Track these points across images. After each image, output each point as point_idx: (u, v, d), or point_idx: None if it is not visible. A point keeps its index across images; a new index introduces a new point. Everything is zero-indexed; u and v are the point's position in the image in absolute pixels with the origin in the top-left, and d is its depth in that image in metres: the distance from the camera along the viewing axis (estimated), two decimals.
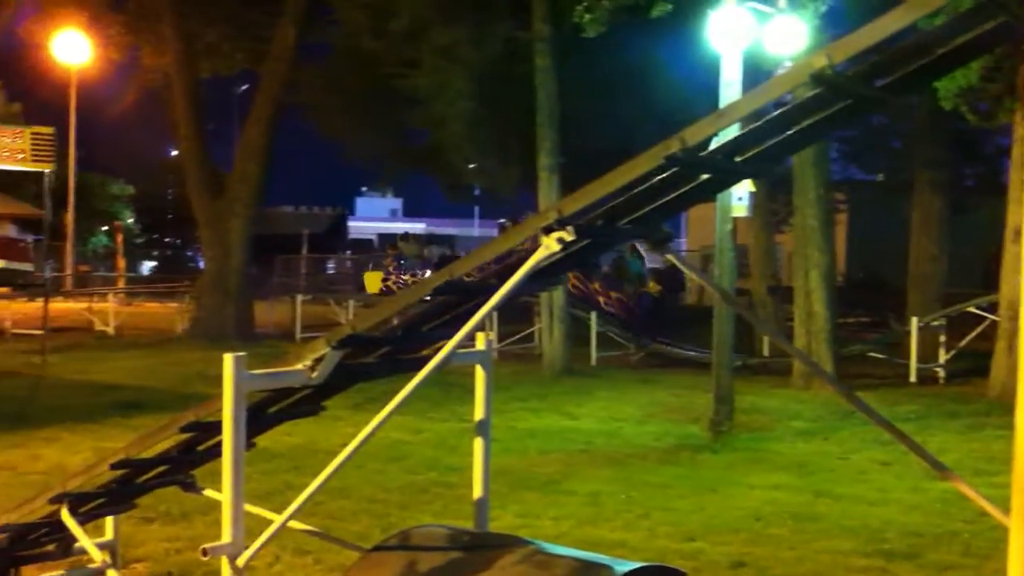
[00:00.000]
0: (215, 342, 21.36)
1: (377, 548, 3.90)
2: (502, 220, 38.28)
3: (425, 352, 4.47)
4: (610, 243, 3.96)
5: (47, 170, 18.30)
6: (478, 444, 4.74)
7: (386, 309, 4.03)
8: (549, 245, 3.33)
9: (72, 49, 36.33)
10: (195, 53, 23.49)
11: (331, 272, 45.86)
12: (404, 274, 32.04)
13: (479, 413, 4.72)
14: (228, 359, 3.84)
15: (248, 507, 4.12)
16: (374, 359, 4.36)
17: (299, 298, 24.69)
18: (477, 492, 4.74)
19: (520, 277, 3.43)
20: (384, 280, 31.40)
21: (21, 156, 17.58)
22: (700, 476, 9.58)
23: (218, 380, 11.85)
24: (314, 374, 4.03)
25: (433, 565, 3.60)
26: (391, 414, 3.74)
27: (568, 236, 3.29)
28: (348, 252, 50.04)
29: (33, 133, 17.65)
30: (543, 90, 17.12)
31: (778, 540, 7.42)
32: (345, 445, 3.99)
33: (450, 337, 3.83)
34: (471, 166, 28.85)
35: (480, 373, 4.69)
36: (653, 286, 22.89)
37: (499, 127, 24.02)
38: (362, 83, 26.10)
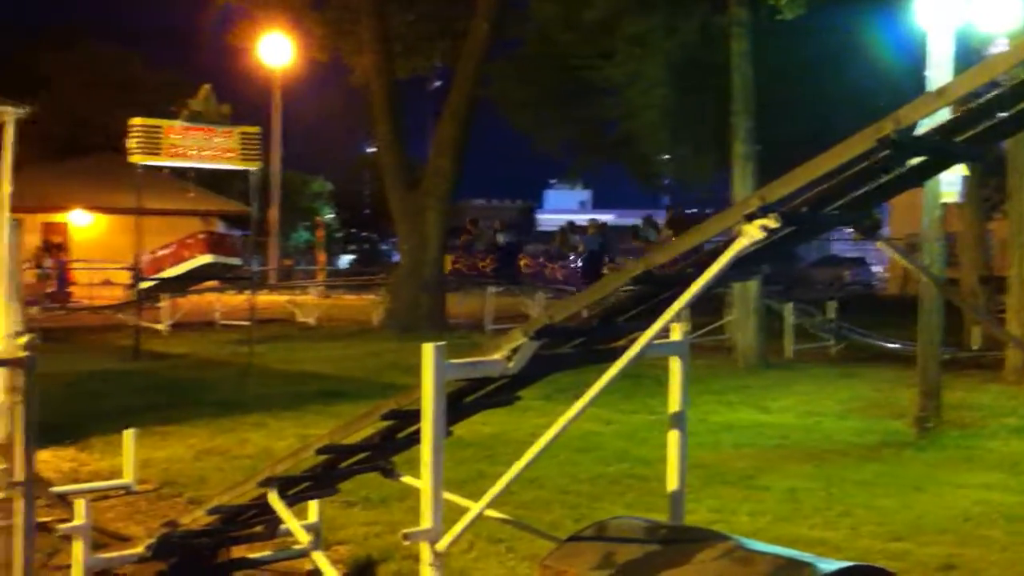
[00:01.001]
0: (409, 332, 21.93)
1: (573, 538, 3.89)
2: (641, 218, 38.33)
3: (619, 343, 4.43)
4: (814, 231, 3.80)
5: (255, 168, 19.11)
6: (674, 437, 4.66)
7: (582, 300, 4.01)
8: (752, 233, 3.23)
9: (276, 51, 38.05)
10: (393, 53, 24.13)
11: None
12: (476, 258, 32.42)
13: (675, 406, 4.64)
14: (428, 349, 3.89)
15: (445, 495, 4.18)
16: (569, 349, 4.35)
17: (490, 289, 25.02)
18: (672, 485, 4.66)
19: (721, 266, 3.34)
20: (454, 263, 32.04)
21: (231, 155, 18.41)
22: (905, 474, 9.16)
23: (413, 369, 12.09)
24: (511, 364, 4.05)
25: (630, 557, 3.56)
26: (587, 405, 3.71)
27: (773, 223, 3.18)
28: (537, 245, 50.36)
29: (242, 133, 18.44)
30: (739, 76, 16.72)
31: (989, 542, 7.02)
32: (536, 435, 3.98)
33: (644, 328, 3.78)
34: (664, 156, 28.53)
35: (676, 365, 4.61)
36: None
37: (693, 115, 23.66)
38: (554, 75, 26.22)
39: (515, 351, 4.07)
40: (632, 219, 69.54)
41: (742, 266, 3.87)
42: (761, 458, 9.78)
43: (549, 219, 75.63)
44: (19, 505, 4.51)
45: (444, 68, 26.79)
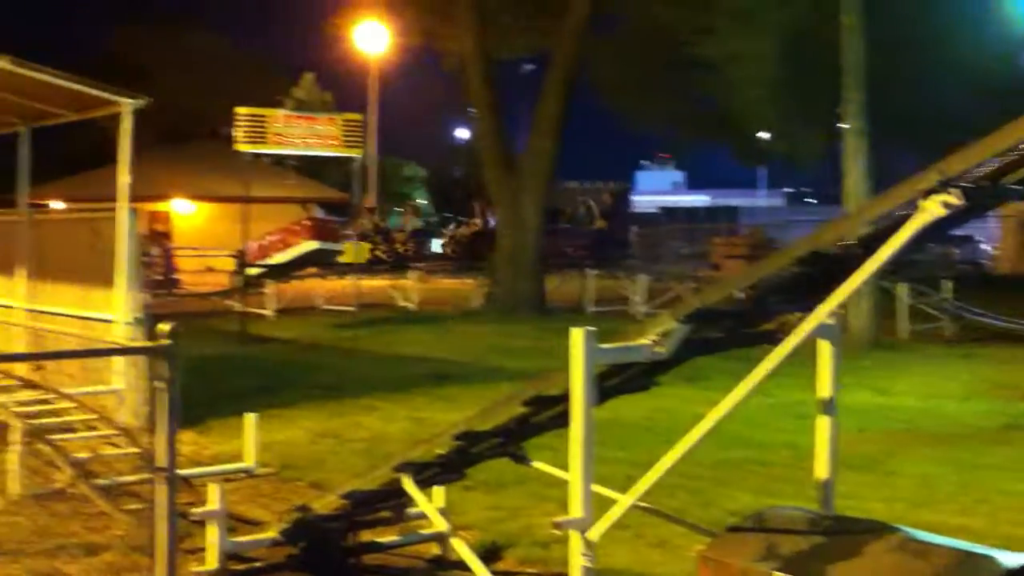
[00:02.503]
0: (509, 315, 21.94)
1: (732, 529, 3.77)
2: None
3: (769, 326, 4.27)
4: (989, 206, 3.59)
5: (356, 155, 19.30)
6: (823, 424, 4.49)
7: (737, 282, 3.87)
8: (931, 210, 3.05)
9: (373, 38, 38.36)
10: (489, 35, 24.06)
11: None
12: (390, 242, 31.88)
13: (824, 391, 4.46)
14: (577, 333, 3.80)
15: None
16: (718, 333, 4.22)
17: (589, 272, 24.86)
18: (822, 474, 4.48)
19: (897, 246, 3.17)
20: (372, 250, 31.55)
21: (333, 142, 18.61)
22: None
23: (516, 352, 12.10)
24: (660, 348, 3.93)
25: (797, 548, 3.42)
26: (751, 392, 3.58)
27: (955, 200, 3.00)
28: (633, 226, 49.94)
29: (344, 120, 18.61)
30: (850, 51, 16.25)
31: None
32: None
33: (797, 310, 3.63)
34: (769, 133, 27.96)
35: (826, 348, 4.43)
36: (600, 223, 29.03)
37: (802, 91, 23.12)
38: (654, 53, 25.89)
39: (664, 335, 3.94)
40: (726, 199, 68.65)
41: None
42: (887, 442, 9.51)
43: (643, 200, 74.95)
44: (161, 490, 4.53)
45: (540, 50, 26.59)
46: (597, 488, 4.93)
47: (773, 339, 3.85)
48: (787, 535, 3.50)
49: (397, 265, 28.15)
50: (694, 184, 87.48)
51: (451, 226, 33.20)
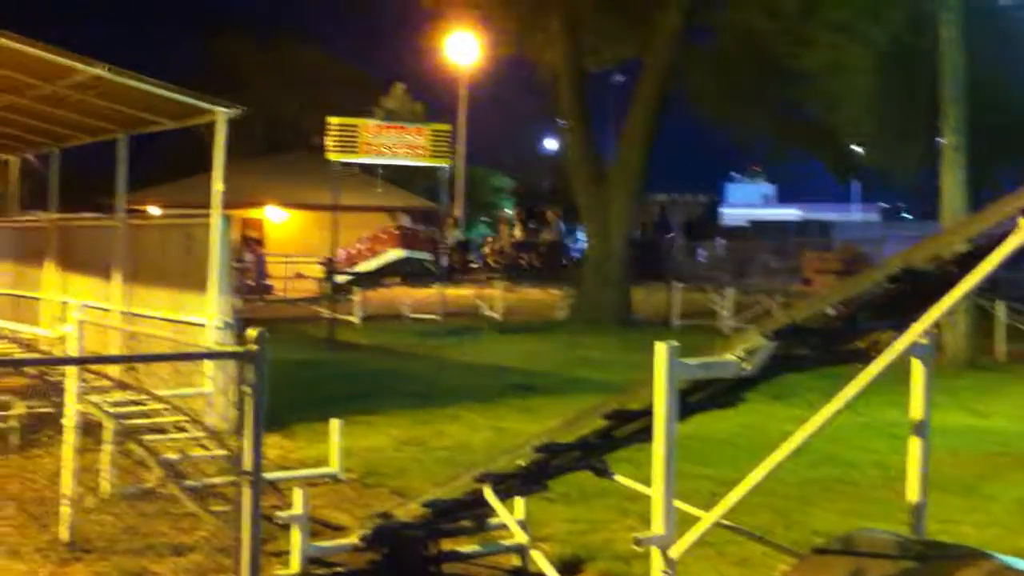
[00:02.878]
0: (594, 327, 21.85)
1: (817, 551, 3.67)
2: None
3: (860, 344, 4.17)
4: None
5: (444, 164, 19.44)
6: (915, 445, 4.36)
7: (827, 299, 3.78)
8: None
9: (463, 49, 38.62)
10: (581, 46, 24.05)
11: (703, 259, 45.58)
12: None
13: (917, 413, 4.33)
14: (660, 347, 3.75)
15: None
16: (807, 350, 4.12)
17: (675, 285, 24.66)
18: (913, 497, 4.35)
19: (995, 264, 3.07)
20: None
21: (422, 152, 18.78)
22: None
23: (600, 364, 12.00)
24: (747, 365, 3.86)
25: (884, 574, 3.32)
26: (840, 410, 3.49)
27: None
28: (720, 240, 49.42)
29: (432, 130, 18.78)
30: (949, 63, 15.87)
31: None
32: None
33: (889, 328, 3.53)
34: (863, 147, 27.40)
35: (919, 368, 4.30)
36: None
37: (900, 104, 22.63)
38: (749, 64, 25.56)
39: (750, 351, 3.87)
40: (818, 213, 67.46)
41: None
42: (981, 465, 9.22)
43: (732, 213, 74.03)
44: (246, 493, 4.58)
45: (631, 61, 26.50)
46: (679, 504, 4.86)
47: (864, 358, 3.75)
48: (875, 559, 3.39)
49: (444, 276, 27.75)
50: (785, 197, 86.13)
51: (488, 237, 32.33)
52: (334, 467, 8.69)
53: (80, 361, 6.59)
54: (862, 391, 3.46)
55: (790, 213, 71.82)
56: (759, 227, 54.25)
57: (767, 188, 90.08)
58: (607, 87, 47.91)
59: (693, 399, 4.56)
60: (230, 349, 7.43)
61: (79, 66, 9.75)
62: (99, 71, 9.67)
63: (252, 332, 4.48)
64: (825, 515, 7.43)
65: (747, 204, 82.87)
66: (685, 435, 10.01)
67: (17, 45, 9.38)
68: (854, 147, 27.93)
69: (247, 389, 4.50)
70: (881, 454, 9.25)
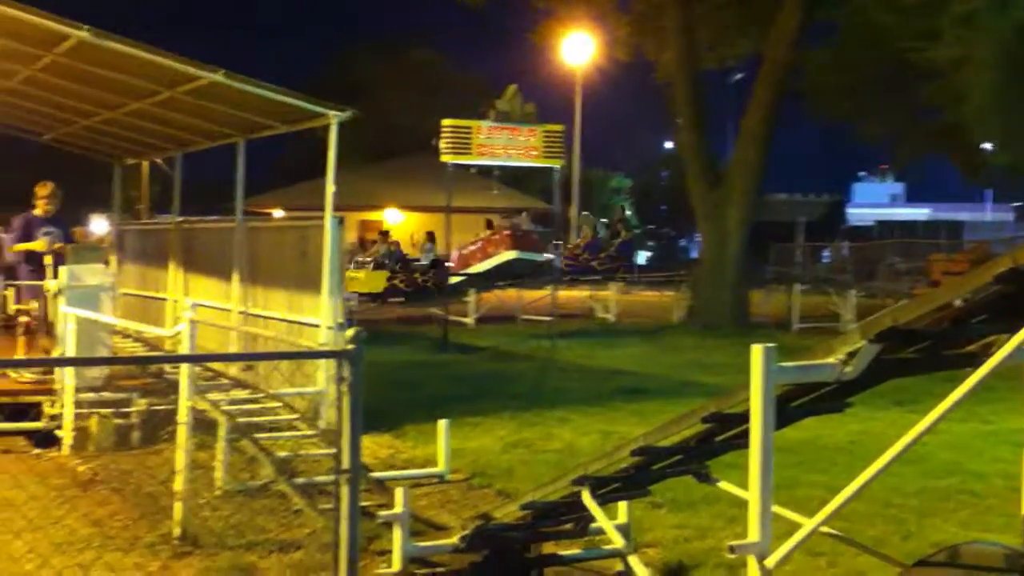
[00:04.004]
0: (710, 330, 21.53)
1: (921, 563, 3.51)
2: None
3: (971, 348, 3.96)
4: None
5: (557, 165, 19.43)
6: None
7: (933, 300, 3.60)
8: None
9: (578, 50, 38.59)
10: (697, 45, 23.77)
11: (827, 261, 44.53)
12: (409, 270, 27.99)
13: None
14: (757, 350, 3.63)
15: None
16: (913, 353, 3.94)
17: (796, 287, 24.13)
18: None
19: None
20: (390, 279, 27.66)
21: (535, 153, 18.79)
22: None
23: (715, 368, 11.75)
24: (848, 368, 3.70)
25: None
26: (943, 415, 3.32)
27: None
28: (846, 241, 48.18)
29: (545, 131, 18.77)
30: None
31: None
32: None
33: (1003, 331, 3.34)
34: (992, 144, 26.34)
35: None
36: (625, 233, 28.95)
37: None
38: (872, 61, 24.87)
39: (852, 355, 3.71)
40: (949, 213, 65.31)
41: None
42: None
43: (859, 214, 72.13)
44: (344, 491, 4.61)
45: (749, 59, 26.06)
46: (783, 512, 4.72)
47: (975, 362, 3.56)
48: (981, 573, 3.22)
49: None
50: (914, 196, 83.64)
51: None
52: (442, 468, 8.75)
53: (186, 359, 6.76)
54: (965, 397, 3.29)
55: (919, 213, 69.77)
56: (885, 227, 52.75)
57: (895, 187, 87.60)
58: (725, 86, 47.27)
59: (796, 404, 4.41)
60: (328, 348, 7.53)
61: (197, 72, 10.04)
62: (216, 76, 9.93)
63: (349, 332, 4.51)
64: (944, 526, 7.14)
65: (874, 204, 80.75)
66: (799, 441, 9.84)
67: (142, 53, 9.70)
68: (984, 145, 26.84)
69: (344, 388, 4.53)
70: (1008, 464, 8.84)
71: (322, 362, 8.92)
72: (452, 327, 19.80)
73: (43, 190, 11.38)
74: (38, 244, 11.00)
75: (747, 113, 23.26)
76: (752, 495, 3.71)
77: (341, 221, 10.59)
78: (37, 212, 11.40)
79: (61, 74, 11.51)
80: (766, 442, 3.65)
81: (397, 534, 5.85)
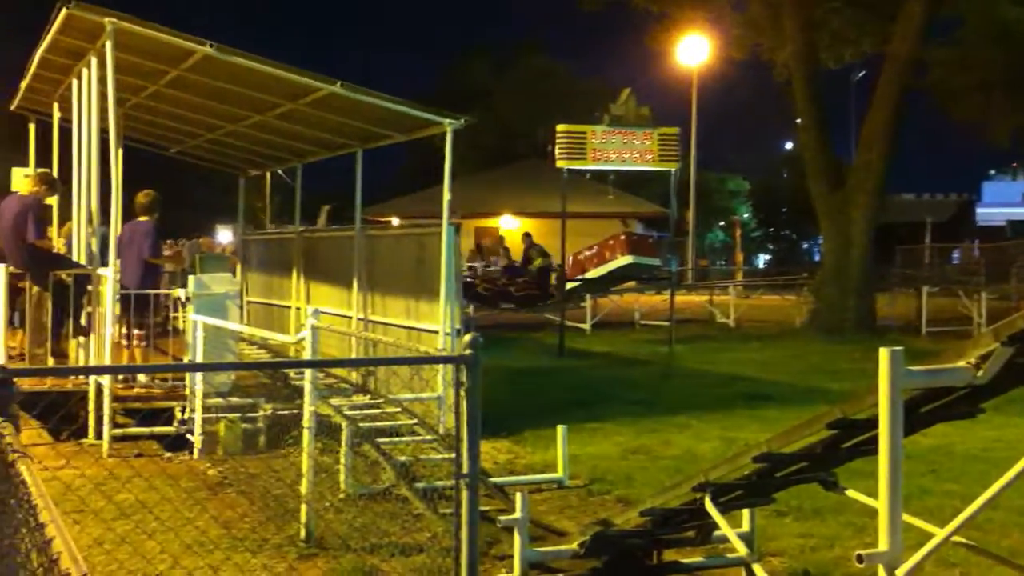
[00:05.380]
0: (834, 335, 21.05)
1: None
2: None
3: None
4: None
5: (673, 169, 19.25)
6: None
7: None
8: None
9: (693, 52, 38.22)
10: (816, 43, 23.31)
11: (956, 262, 43.08)
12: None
13: None
14: (884, 354, 3.52)
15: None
16: None
17: (924, 290, 23.41)
18: None
19: None
20: (502, 286, 26.62)
21: (650, 157, 18.64)
22: None
23: (841, 374, 11.42)
24: (980, 372, 3.56)
25: None
26: None
27: None
28: (976, 241, 46.55)
29: (660, 134, 18.61)
30: None
31: None
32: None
33: None
34: None
35: None
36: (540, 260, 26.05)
37: None
38: (1000, 56, 23.95)
39: (984, 358, 3.57)
40: None
41: None
42: None
43: (989, 213, 69.53)
44: (464, 496, 4.63)
45: (871, 56, 25.40)
46: (915, 521, 4.57)
47: None
48: None
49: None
50: None
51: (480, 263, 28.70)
52: (560, 473, 8.73)
53: (309, 364, 6.89)
54: None
55: None
56: (1018, 227, 50.79)
57: None
58: (846, 84, 46.23)
59: (927, 409, 4.27)
60: (445, 354, 7.58)
61: (316, 84, 10.25)
62: (334, 88, 10.12)
63: (466, 337, 4.53)
64: None
65: (1006, 203, 77.72)
66: (929, 449, 9.53)
67: (263, 67, 9.95)
68: None
69: (463, 393, 4.56)
70: None
71: (440, 367, 9.00)
72: (568, 332, 19.77)
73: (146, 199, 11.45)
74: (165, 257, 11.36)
75: (870, 111, 22.69)
76: (881, 503, 3.60)
77: (457, 228, 10.67)
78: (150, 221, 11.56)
79: (186, 89, 11.89)
80: (895, 448, 3.53)
81: (517, 539, 5.85)
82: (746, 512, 6.06)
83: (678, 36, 33.74)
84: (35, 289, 10.59)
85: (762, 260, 68.22)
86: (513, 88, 56.24)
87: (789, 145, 65.87)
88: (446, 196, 10.49)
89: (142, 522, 6.51)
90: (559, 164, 18.50)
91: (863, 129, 23.09)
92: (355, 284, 12.93)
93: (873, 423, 3.98)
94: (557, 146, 18.47)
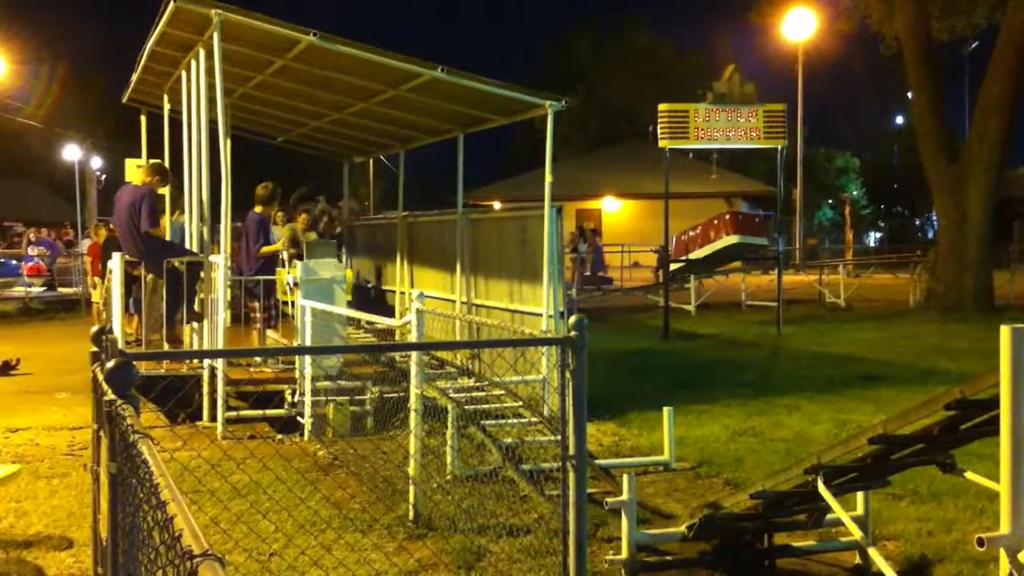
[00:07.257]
0: (951, 314, 20.45)
1: None
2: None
3: None
4: None
5: (779, 146, 18.88)
6: None
7: None
8: None
9: (799, 26, 37.38)
10: (928, 14, 22.59)
11: None
12: None
13: None
14: (1006, 331, 3.38)
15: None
16: None
17: None
18: None
19: None
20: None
21: (755, 134, 18.30)
22: None
23: (958, 354, 11.07)
24: None
25: None
26: None
27: None
28: None
29: (765, 111, 18.25)
30: None
31: None
32: None
33: None
34: None
35: None
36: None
37: None
38: None
39: None
40: None
41: None
42: None
43: None
44: (571, 478, 4.61)
45: (985, 27, 24.49)
46: None
47: None
48: None
49: None
50: None
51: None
52: (667, 456, 8.65)
53: (415, 347, 6.93)
54: None
55: None
56: None
57: None
58: (961, 56, 44.70)
59: None
60: (550, 335, 7.56)
61: (418, 69, 10.31)
62: (435, 73, 10.16)
63: (571, 320, 4.50)
64: None
65: None
66: None
67: (366, 54, 10.05)
68: None
69: (568, 375, 4.53)
70: None
71: (545, 350, 8.98)
72: (673, 314, 19.58)
73: (264, 191, 11.77)
74: (278, 245, 11.58)
75: (985, 82, 21.90)
76: (1003, 485, 3.46)
77: (559, 211, 10.63)
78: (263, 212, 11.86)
79: (291, 78, 12.08)
80: (1017, 429, 3.39)
81: (624, 521, 5.82)
82: (860, 495, 5.92)
83: (783, 9, 33.08)
84: (150, 277, 10.90)
85: (872, 238, 66.59)
86: (615, 66, 55.84)
87: (900, 120, 64.10)
88: (548, 178, 10.46)
89: (256, 502, 6.66)
90: (661, 144, 18.31)
91: (978, 101, 22.33)
92: (458, 268, 13.01)
93: (994, 403, 3.84)
94: (660, 126, 18.27)
